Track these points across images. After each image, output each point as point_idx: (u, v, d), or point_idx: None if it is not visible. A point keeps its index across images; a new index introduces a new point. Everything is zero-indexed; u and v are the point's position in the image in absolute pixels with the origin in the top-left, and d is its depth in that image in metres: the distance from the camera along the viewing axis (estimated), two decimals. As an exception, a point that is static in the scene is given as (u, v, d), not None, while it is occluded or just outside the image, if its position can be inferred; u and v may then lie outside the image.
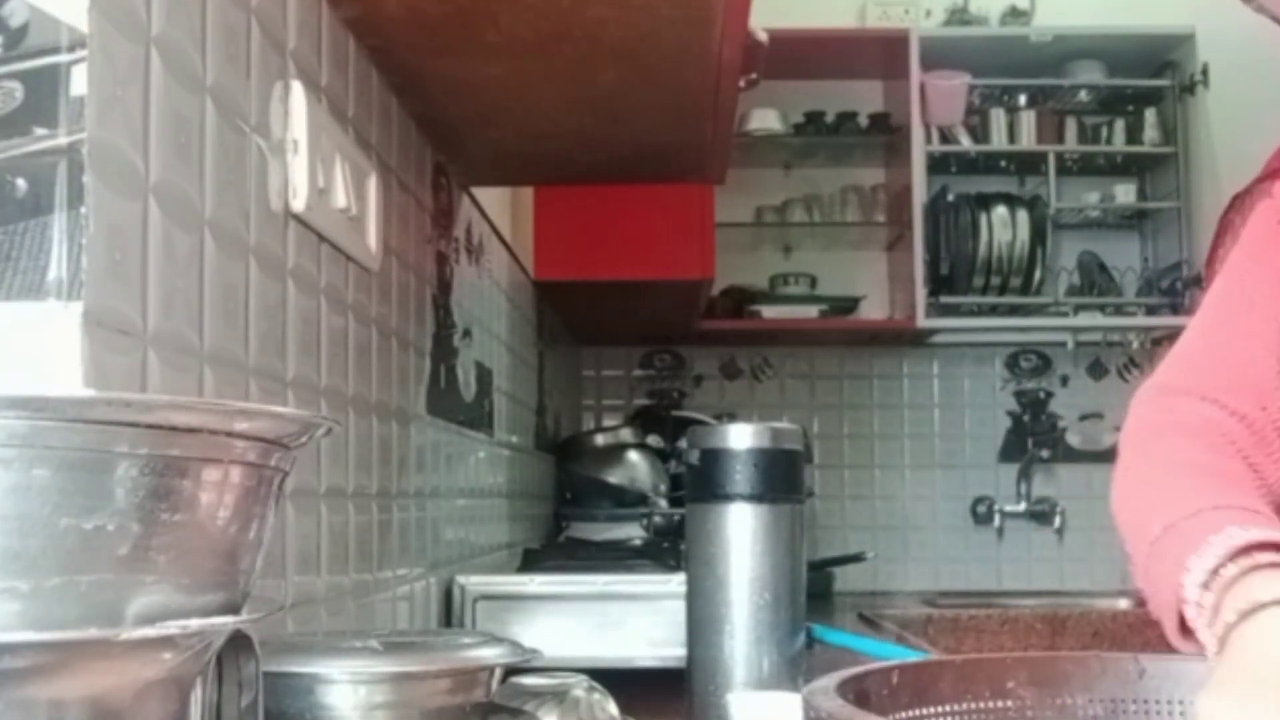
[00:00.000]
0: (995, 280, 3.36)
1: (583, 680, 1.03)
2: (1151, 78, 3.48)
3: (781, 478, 1.23)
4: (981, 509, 3.63)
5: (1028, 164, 3.54)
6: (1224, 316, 1.15)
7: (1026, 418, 3.66)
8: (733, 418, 3.36)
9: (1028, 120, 3.49)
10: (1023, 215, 3.36)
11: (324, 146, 1.13)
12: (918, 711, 0.83)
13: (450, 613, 1.66)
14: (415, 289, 1.55)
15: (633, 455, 2.92)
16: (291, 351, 1.08)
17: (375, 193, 1.30)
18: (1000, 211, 3.36)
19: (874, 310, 3.61)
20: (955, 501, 3.65)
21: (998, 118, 3.48)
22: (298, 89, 1.07)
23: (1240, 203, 1.23)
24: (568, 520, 2.74)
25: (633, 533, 2.60)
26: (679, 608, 1.31)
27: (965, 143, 3.47)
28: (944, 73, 3.36)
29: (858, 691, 0.77)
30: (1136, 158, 3.53)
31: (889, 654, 1.36)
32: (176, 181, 0.84)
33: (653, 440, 3.14)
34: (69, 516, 0.47)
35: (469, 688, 0.79)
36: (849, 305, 3.54)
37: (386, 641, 0.82)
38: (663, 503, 2.77)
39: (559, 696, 0.99)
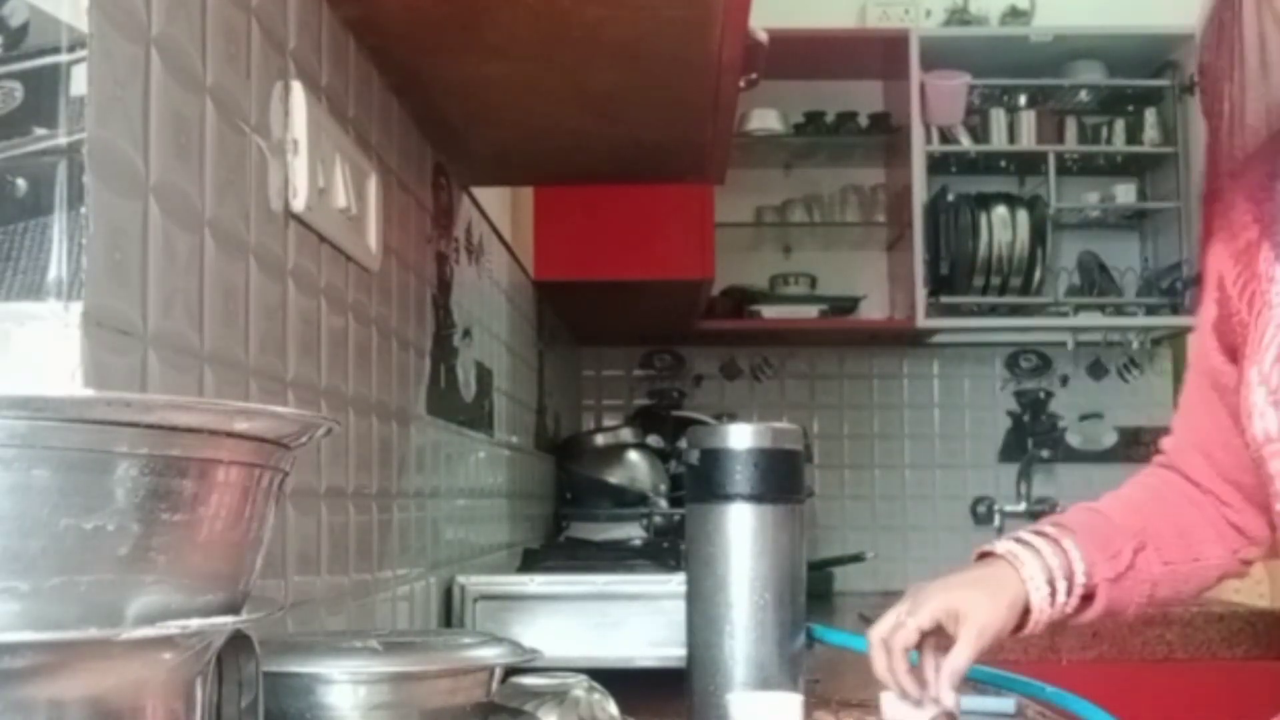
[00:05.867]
0: (995, 280, 3.36)
1: (583, 680, 1.03)
2: (1151, 78, 3.48)
3: (781, 478, 1.23)
4: (981, 509, 3.63)
5: (1028, 164, 3.54)
6: (1185, 391, 1.33)
7: (1026, 418, 3.66)
8: (733, 418, 3.35)
9: (1028, 120, 3.48)
10: (1023, 215, 3.36)
11: (324, 146, 1.13)
12: None
13: (450, 613, 1.66)
14: (415, 289, 1.55)
15: (633, 455, 2.92)
16: (291, 351, 1.08)
17: (375, 193, 1.30)
18: (1000, 211, 3.36)
19: (874, 310, 3.61)
20: (955, 501, 3.65)
21: (998, 118, 3.48)
22: (298, 89, 1.08)
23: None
24: (568, 520, 2.74)
25: (633, 533, 2.60)
26: (679, 608, 1.31)
27: (965, 143, 3.47)
28: (944, 73, 3.36)
29: None
30: (1136, 158, 3.53)
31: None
32: (176, 181, 0.84)
33: (653, 440, 3.14)
34: (69, 516, 0.47)
35: (469, 688, 0.79)
36: (849, 305, 3.54)
37: (386, 641, 0.82)
38: (663, 503, 2.77)
39: (559, 696, 0.99)
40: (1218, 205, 1.24)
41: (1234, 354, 1.19)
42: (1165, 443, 1.35)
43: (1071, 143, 3.50)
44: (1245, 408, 1.14)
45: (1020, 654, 2.90)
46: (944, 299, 3.38)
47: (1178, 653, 2.83)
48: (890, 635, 1.19)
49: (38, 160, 0.71)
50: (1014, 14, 3.55)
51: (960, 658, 1.17)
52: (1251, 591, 3.05)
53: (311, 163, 1.09)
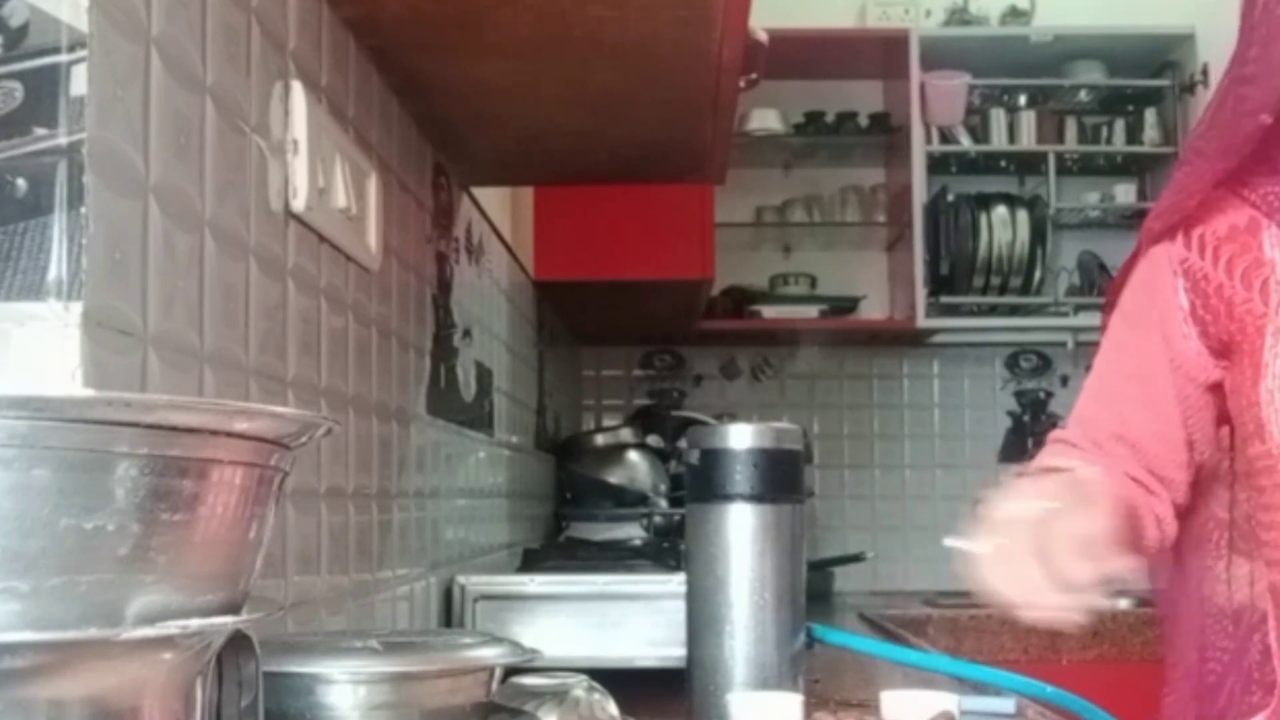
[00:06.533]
0: (995, 280, 3.36)
1: (583, 680, 1.03)
2: (1151, 78, 3.48)
3: (781, 478, 1.23)
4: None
5: (1028, 164, 3.54)
6: (1106, 381, 1.28)
7: (1026, 418, 3.66)
8: (733, 418, 3.35)
9: (1028, 120, 3.49)
10: (1023, 215, 3.36)
11: (324, 146, 1.13)
12: None
13: (450, 613, 1.66)
14: (415, 289, 1.55)
15: (633, 455, 2.92)
16: (291, 351, 1.08)
17: (375, 193, 1.30)
18: (1000, 211, 3.36)
19: (874, 310, 3.61)
20: (955, 501, 3.65)
21: (998, 118, 3.48)
22: (298, 89, 1.07)
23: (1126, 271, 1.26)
24: (568, 520, 2.74)
25: (633, 533, 2.60)
26: (679, 608, 1.31)
27: (965, 143, 3.47)
28: (944, 73, 3.36)
29: None
30: (1136, 158, 3.53)
31: (890, 654, 1.36)
32: (176, 181, 0.84)
33: (653, 440, 3.14)
34: (69, 516, 0.47)
35: (469, 688, 0.79)
36: (849, 305, 3.54)
37: (386, 641, 0.82)
38: (663, 503, 2.77)
39: (559, 696, 0.99)
40: (1188, 186, 1.16)
41: (1222, 345, 1.15)
42: (1072, 434, 1.28)
43: (1071, 143, 3.51)
44: (1276, 403, 1.09)
45: (1020, 654, 2.90)
46: (944, 299, 3.38)
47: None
48: (1053, 524, 0.99)
49: (38, 160, 0.71)
50: (1014, 14, 3.56)
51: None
52: (1251, 591, 3.05)
53: (311, 163, 1.09)
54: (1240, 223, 1.13)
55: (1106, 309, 1.31)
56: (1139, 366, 1.22)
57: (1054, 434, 1.31)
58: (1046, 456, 1.28)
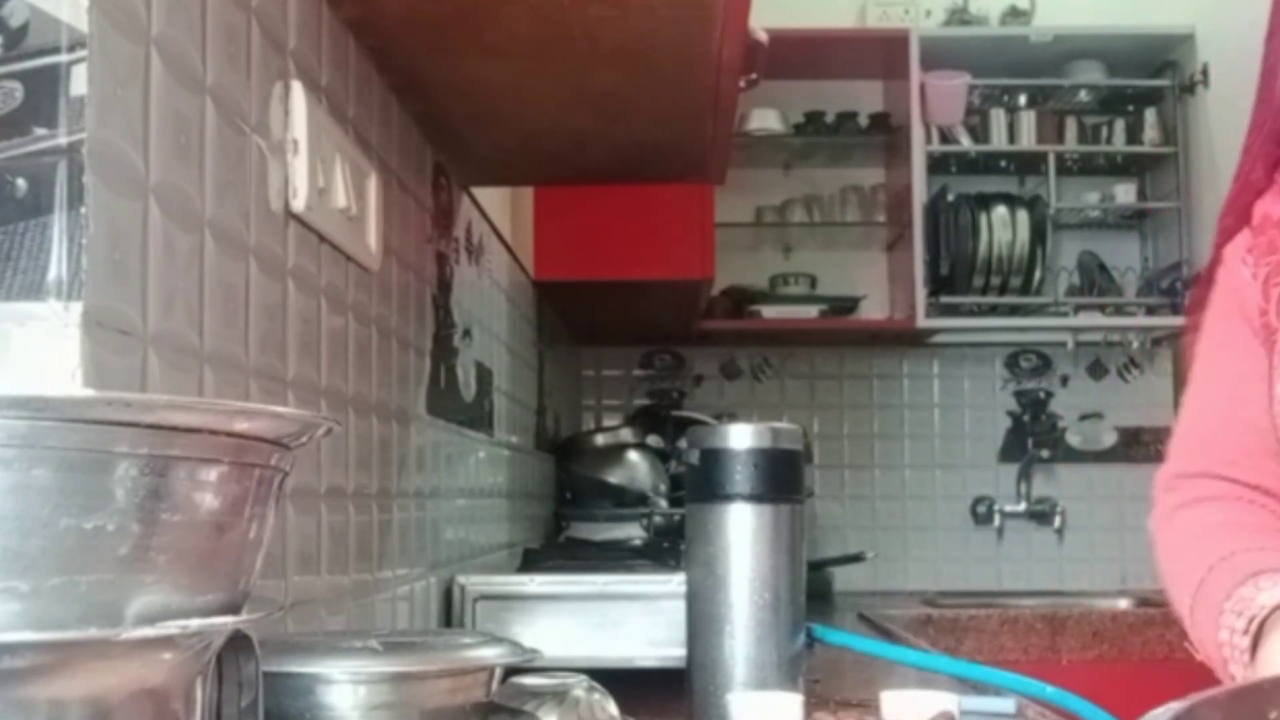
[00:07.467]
0: (995, 280, 3.36)
1: (583, 680, 1.03)
2: (1151, 78, 3.48)
3: (781, 478, 1.23)
4: (981, 509, 3.63)
5: (1028, 164, 3.54)
6: (1213, 391, 1.18)
7: (1026, 418, 3.66)
8: (733, 418, 3.35)
9: (1028, 120, 3.49)
10: (1023, 215, 3.37)
11: (324, 146, 1.13)
12: None
13: (450, 613, 1.66)
14: (415, 289, 1.55)
15: (633, 455, 2.92)
16: (291, 351, 1.08)
17: (375, 193, 1.30)
18: (1000, 211, 3.37)
19: (874, 310, 3.61)
20: (955, 501, 3.65)
21: (998, 118, 3.48)
22: (298, 89, 1.07)
23: (1208, 273, 1.21)
24: (568, 520, 2.74)
25: (633, 533, 2.60)
26: (679, 608, 1.30)
27: (965, 143, 3.47)
28: (944, 73, 3.37)
29: None
30: (1136, 158, 3.53)
31: (890, 654, 1.36)
32: (176, 181, 0.84)
33: (653, 440, 3.14)
34: (69, 516, 0.47)
35: (469, 688, 0.79)
36: (849, 305, 3.54)
37: (386, 641, 0.82)
38: (663, 503, 2.77)
39: (559, 696, 0.99)
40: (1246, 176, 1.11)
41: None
42: (1197, 462, 1.17)
43: (1071, 143, 3.51)
44: None
45: (1020, 654, 2.90)
46: (944, 299, 3.38)
47: (1178, 653, 2.83)
48: None
49: (38, 160, 0.71)
50: (1014, 14, 3.56)
51: None
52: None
53: (311, 163, 1.09)
54: (1275, 214, 1.10)
55: (1190, 318, 1.22)
56: (1245, 363, 1.13)
57: (1176, 468, 1.20)
58: (1197, 508, 1.17)
